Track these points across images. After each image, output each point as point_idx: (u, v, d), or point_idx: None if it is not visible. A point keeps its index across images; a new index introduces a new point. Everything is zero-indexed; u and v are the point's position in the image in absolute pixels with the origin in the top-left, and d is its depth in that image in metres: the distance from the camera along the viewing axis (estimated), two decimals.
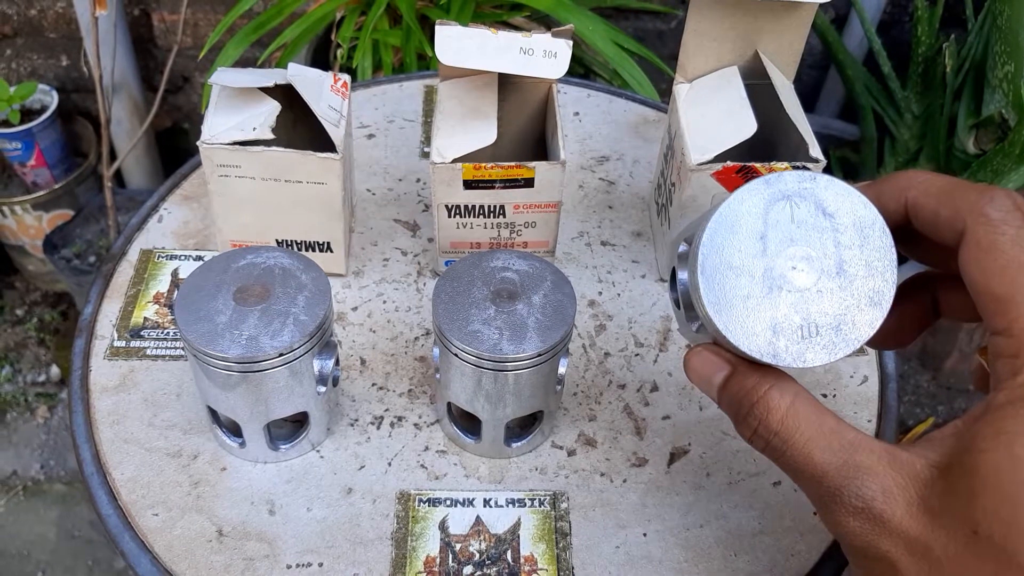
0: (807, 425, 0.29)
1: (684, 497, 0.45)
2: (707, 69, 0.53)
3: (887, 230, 0.30)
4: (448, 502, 0.44)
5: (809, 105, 1.38)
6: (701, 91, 0.52)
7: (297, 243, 0.52)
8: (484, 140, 0.48)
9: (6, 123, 1.24)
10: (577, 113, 0.68)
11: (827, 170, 0.49)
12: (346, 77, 0.52)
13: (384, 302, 0.53)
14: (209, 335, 0.39)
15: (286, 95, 0.49)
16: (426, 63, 0.90)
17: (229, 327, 0.39)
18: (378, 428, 0.47)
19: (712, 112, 0.51)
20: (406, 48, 0.87)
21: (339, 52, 0.92)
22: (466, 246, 0.52)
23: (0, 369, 1.32)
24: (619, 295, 0.55)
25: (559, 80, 0.56)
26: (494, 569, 0.42)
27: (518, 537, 0.43)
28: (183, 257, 0.55)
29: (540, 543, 0.43)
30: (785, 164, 0.48)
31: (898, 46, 1.27)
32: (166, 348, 0.50)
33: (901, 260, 0.31)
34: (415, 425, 0.47)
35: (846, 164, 1.20)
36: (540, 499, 0.44)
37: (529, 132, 0.56)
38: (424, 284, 0.55)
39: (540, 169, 0.48)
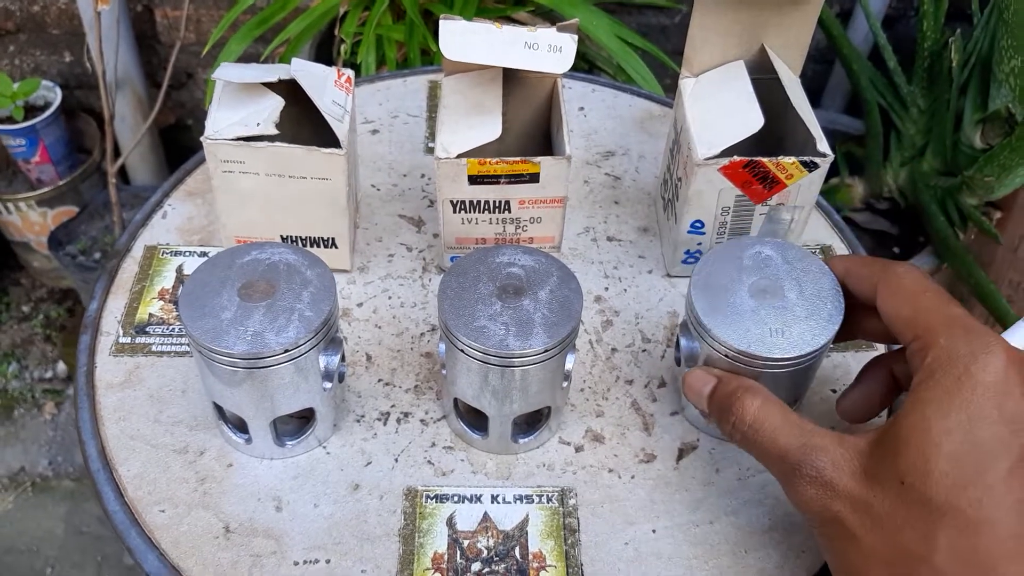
0: (774, 418, 0.38)
1: (693, 493, 0.45)
2: (713, 63, 0.53)
3: (834, 279, 0.43)
4: (455, 498, 0.44)
5: (814, 100, 1.37)
6: (707, 85, 0.52)
7: (302, 239, 0.52)
8: (489, 135, 0.48)
9: (10, 119, 1.24)
10: (582, 108, 0.68)
11: (832, 165, 0.49)
12: (350, 72, 0.52)
13: (389, 298, 0.53)
14: (214, 331, 0.39)
15: (290, 91, 0.48)
16: (430, 58, 0.90)
17: (234, 323, 0.39)
18: (384, 424, 0.47)
19: (718, 106, 0.50)
20: (409, 43, 0.86)
21: (343, 48, 0.92)
22: (471, 242, 0.52)
23: (7, 366, 1.33)
24: (625, 290, 0.54)
25: (564, 75, 0.56)
26: (502, 566, 0.42)
27: (526, 533, 0.43)
28: (187, 253, 0.55)
29: (548, 539, 0.43)
30: (792, 159, 0.48)
31: (903, 41, 1.26)
32: (171, 344, 0.50)
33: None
34: (422, 421, 0.47)
35: (851, 159, 1.19)
36: (548, 495, 0.44)
37: (534, 127, 0.56)
38: (429, 280, 0.54)
39: (545, 164, 0.48)
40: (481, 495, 0.44)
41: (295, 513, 0.43)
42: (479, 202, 0.50)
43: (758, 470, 0.46)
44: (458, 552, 0.42)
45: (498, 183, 0.49)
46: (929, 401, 0.33)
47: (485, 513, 0.44)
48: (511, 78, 0.52)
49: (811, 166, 0.48)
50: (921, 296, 0.37)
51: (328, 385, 0.42)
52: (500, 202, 0.50)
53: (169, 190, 0.59)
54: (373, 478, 0.45)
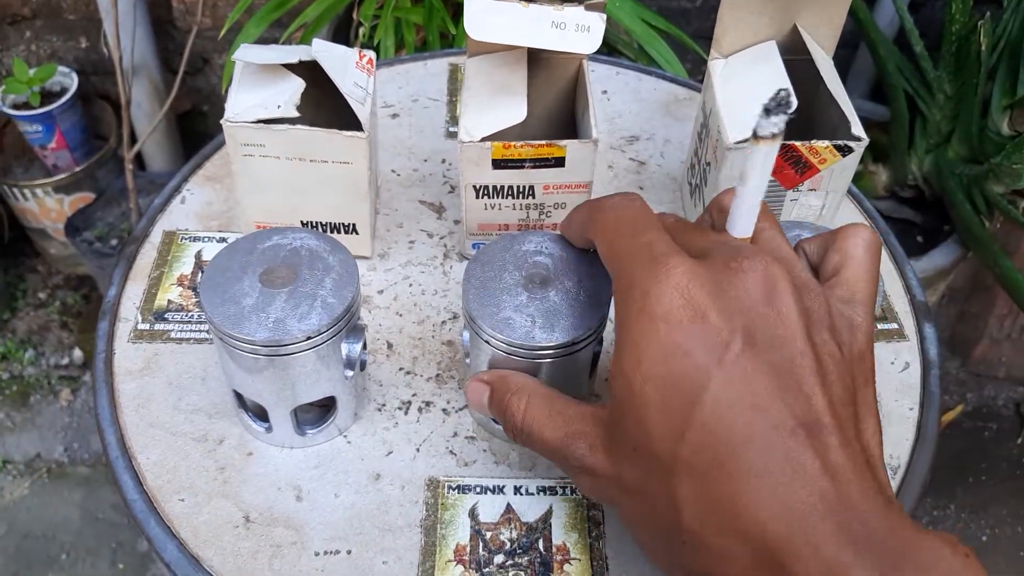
0: (539, 414, 0.35)
1: None
2: (744, 44, 0.51)
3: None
4: (478, 489, 0.43)
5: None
6: (737, 67, 0.51)
7: (322, 224, 0.51)
8: (514, 118, 0.46)
9: (26, 105, 1.23)
10: (605, 91, 0.66)
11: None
12: (371, 54, 0.51)
13: (410, 285, 0.52)
14: (235, 318, 0.38)
15: (310, 73, 0.47)
16: (449, 42, 0.88)
17: (256, 310, 0.38)
18: (406, 413, 0.46)
19: (750, 88, 0.49)
20: (429, 26, 0.85)
21: (361, 31, 0.91)
22: (494, 228, 0.51)
23: (23, 352, 1.33)
24: None
25: (587, 57, 0.55)
26: (526, 558, 0.41)
27: (550, 526, 0.42)
28: (206, 239, 0.54)
29: (572, 532, 0.42)
30: (826, 143, 0.47)
31: (930, 25, 1.24)
32: (190, 331, 0.49)
33: None
34: (443, 410, 0.46)
35: (876, 146, 1.17)
36: (572, 487, 0.43)
37: (557, 111, 0.54)
38: (451, 267, 0.53)
39: (571, 148, 0.47)
40: (504, 486, 0.43)
41: (315, 503, 0.42)
42: (503, 187, 0.49)
43: None
44: (481, 544, 0.41)
45: (522, 167, 0.47)
46: (624, 352, 0.30)
47: (508, 504, 0.43)
48: (535, 59, 0.51)
49: (845, 150, 0.47)
50: (617, 234, 0.34)
51: (350, 373, 0.42)
52: (524, 187, 0.49)
53: (188, 175, 0.58)
54: (394, 468, 0.44)
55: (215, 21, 1.31)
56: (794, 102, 0.29)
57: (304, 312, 0.38)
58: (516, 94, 0.47)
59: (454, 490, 0.43)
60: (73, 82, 1.26)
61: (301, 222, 0.51)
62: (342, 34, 1.03)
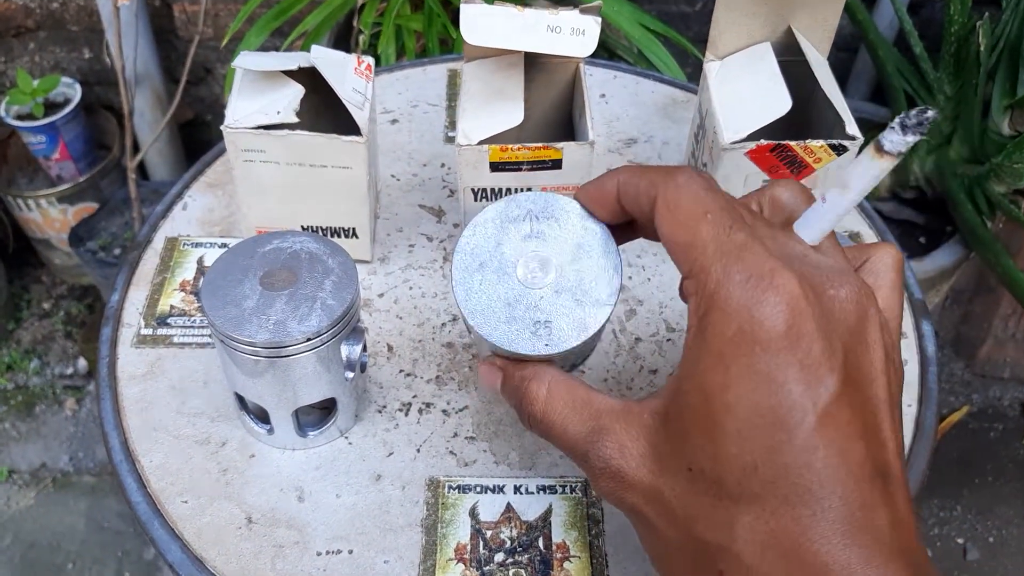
0: (561, 404, 0.32)
1: None
2: (739, 46, 0.52)
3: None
4: (478, 489, 0.43)
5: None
6: (733, 68, 0.51)
7: (322, 229, 0.51)
8: (511, 121, 0.47)
9: (30, 116, 1.24)
10: (604, 95, 0.67)
11: (858, 153, 0.48)
12: (370, 60, 0.51)
13: (410, 288, 0.53)
14: (236, 320, 0.38)
15: (309, 79, 0.48)
16: (449, 48, 0.89)
17: (256, 312, 0.39)
18: (406, 415, 0.46)
19: (744, 90, 0.49)
20: (428, 33, 0.86)
21: (361, 39, 0.91)
22: None
23: (28, 362, 1.34)
24: (649, 279, 0.54)
25: (585, 61, 0.55)
26: (526, 556, 0.41)
27: (549, 524, 0.42)
28: (208, 244, 0.55)
29: (572, 530, 0.42)
30: (821, 143, 0.47)
31: (929, 26, 1.24)
32: (193, 336, 0.49)
33: None
34: (443, 411, 0.47)
35: None
36: (571, 486, 0.44)
37: (555, 114, 0.55)
38: (450, 270, 0.54)
39: (568, 150, 0.47)
40: (504, 486, 0.44)
41: (317, 504, 0.43)
42: (501, 190, 0.49)
43: None
44: (481, 543, 0.42)
45: (520, 170, 0.48)
46: (707, 368, 0.28)
47: (508, 504, 0.43)
48: (532, 63, 0.51)
49: (840, 149, 0.47)
50: (702, 219, 0.29)
51: (350, 375, 0.42)
52: (522, 189, 0.49)
53: (189, 182, 0.59)
54: (395, 469, 0.44)
55: (217, 31, 1.32)
56: (933, 115, 0.26)
57: (304, 314, 0.39)
58: (513, 98, 0.48)
59: (454, 490, 0.43)
60: (76, 93, 1.27)
61: (301, 226, 0.51)
62: (342, 42, 1.03)
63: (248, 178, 0.49)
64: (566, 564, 0.41)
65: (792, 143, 0.47)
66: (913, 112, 0.26)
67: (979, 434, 1.30)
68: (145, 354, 0.49)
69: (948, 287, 1.21)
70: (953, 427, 1.29)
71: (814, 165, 0.48)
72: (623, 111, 0.65)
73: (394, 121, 0.64)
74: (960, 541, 1.19)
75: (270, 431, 0.44)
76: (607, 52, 0.97)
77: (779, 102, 0.47)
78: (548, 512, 0.43)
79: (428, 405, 0.47)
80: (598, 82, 0.68)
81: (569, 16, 0.46)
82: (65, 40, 1.34)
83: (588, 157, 0.47)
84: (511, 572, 0.41)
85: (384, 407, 0.47)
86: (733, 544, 0.27)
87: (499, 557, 0.41)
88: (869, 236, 0.57)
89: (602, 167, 0.61)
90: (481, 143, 0.46)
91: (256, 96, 0.48)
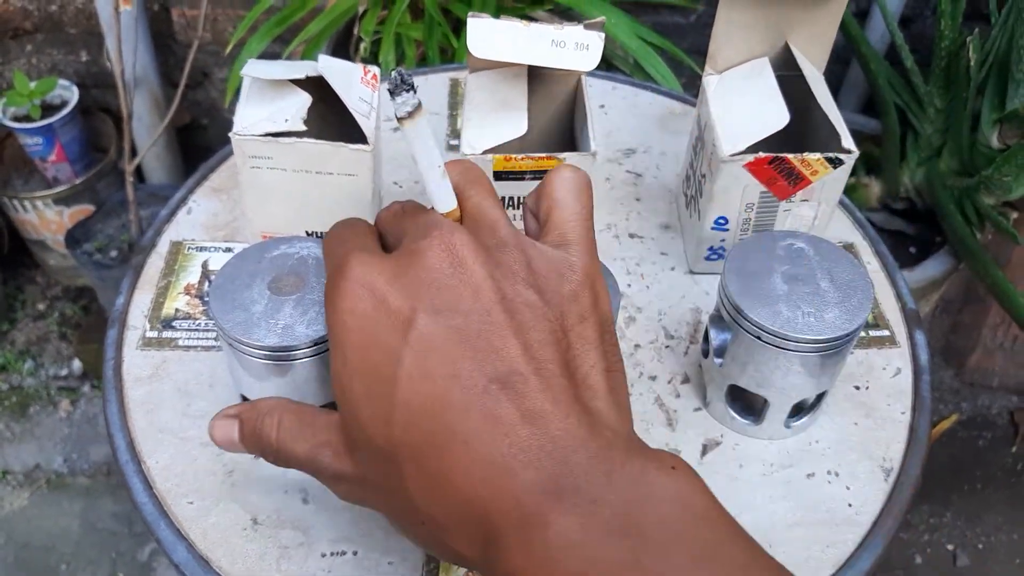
0: (291, 430, 0.34)
1: (717, 488, 0.44)
2: (737, 60, 0.53)
3: (864, 270, 0.43)
4: None
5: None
6: (731, 82, 0.52)
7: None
8: (514, 132, 0.48)
9: (27, 118, 1.25)
10: (603, 106, 0.68)
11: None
12: (376, 69, 0.52)
13: None
14: (245, 324, 0.39)
15: (315, 87, 0.49)
16: (448, 56, 0.90)
17: (265, 316, 0.40)
18: None
19: (743, 103, 0.50)
20: (429, 41, 0.87)
21: (362, 46, 0.92)
22: None
23: (23, 363, 1.33)
24: (648, 287, 0.55)
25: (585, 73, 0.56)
26: None
27: None
28: (212, 249, 0.55)
29: None
30: (818, 155, 0.48)
31: (920, 40, 1.26)
32: (198, 339, 0.50)
33: None
34: None
35: (868, 159, 1.19)
36: None
37: (556, 125, 0.56)
38: None
39: (570, 160, 0.48)
40: None
41: (322, 505, 0.43)
42: (503, 198, 0.50)
43: (782, 466, 0.46)
44: None
45: (523, 179, 0.49)
46: (332, 355, 0.31)
47: None
48: (534, 75, 0.52)
49: (836, 162, 0.48)
50: (330, 248, 0.36)
51: None
52: (524, 199, 0.50)
53: (193, 187, 0.59)
54: None
55: (215, 35, 1.33)
56: (410, 80, 0.30)
57: (312, 318, 0.39)
58: (517, 109, 0.49)
59: None
60: (73, 95, 1.27)
61: (306, 232, 0.52)
62: (342, 49, 1.04)
63: (255, 184, 0.50)
64: None
65: (790, 156, 0.48)
66: (391, 78, 0.30)
67: (968, 442, 1.32)
68: (150, 356, 0.49)
69: (938, 297, 1.23)
70: (943, 435, 1.30)
71: (811, 177, 0.49)
72: (622, 122, 0.66)
73: (396, 128, 0.65)
74: (950, 547, 1.20)
75: None
76: (604, 63, 0.98)
77: (777, 116, 0.48)
78: None
79: None
80: (597, 93, 0.69)
81: (573, 31, 0.47)
82: (63, 42, 1.34)
83: (590, 167, 0.48)
84: None
85: None
86: (412, 498, 0.29)
87: None
88: (862, 246, 0.58)
89: (602, 177, 0.62)
90: (485, 152, 0.47)
91: (264, 104, 0.48)
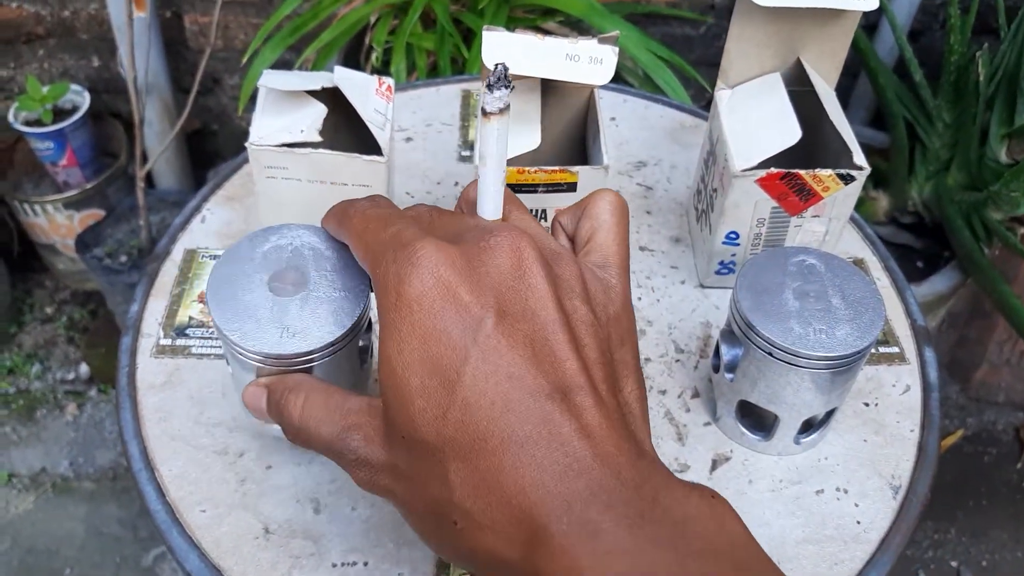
0: (316, 410, 0.34)
1: None
2: (749, 75, 0.53)
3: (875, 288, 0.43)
4: None
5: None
6: (743, 97, 0.52)
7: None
8: (528, 144, 0.48)
9: (38, 123, 1.25)
10: (614, 118, 0.68)
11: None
12: (390, 81, 0.52)
13: None
14: (254, 334, 0.37)
15: (329, 98, 0.49)
16: (459, 67, 0.90)
17: (273, 322, 0.37)
18: None
19: (755, 118, 0.51)
20: (440, 51, 0.87)
21: (373, 56, 0.93)
22: None
23: (30, 367, 1.34)
24: (659, 300, 0.55)
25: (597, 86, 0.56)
26: None
27: None
28: None
29: None
30: (829, 172, 0.48)
31: (929, 54, 1.26)
32: (211, 347, 0.50)
33: None
34: None
35: (876, 172, 1.19)
36: None
37: (568, 137, 0.56)
38: None
39: (583, 173, 0.48)
40: None
41: (333, 515, 0.43)
42: None
43: (791, 482, 0.46)
44: None
45: (536, 192, 0.49)
46: (386, 341, 0.30)
47: None
48: (547, 88, 0.53)
49: (847, 179, 0.48)
50: (367, 226, 0.34)
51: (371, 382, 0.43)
52: (537, 211, 0.50)
53: (207, 195, 0.60)
54: None
55: (226, 42, 1.33)
56: (507, 76, 0.30)
57: (322, 318, 0.38)
58: (531, 121, 0.49)
59: None
60: (85, 100, 1.28)
61: None
62: (352, 58, 1.05)
63: (269, 193, 0.50)
64: None
65: (801, 172, 0.48)
66: (492, 73, 0.29)
67: (974, 458, 1.31)
68: (164, 364, 0.49)
69: (945, 311, 1.23)
70: (948, 451, 1.30)
71: (822, 193, 0.49)
72: (633, 134, 0.67)
73: (409, 139, 0.65)
74: (954, 564, 1.20)
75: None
76: (615, 75, 0.99)
77: (788, 132, 0.48)
78: None
79: None
80: (608, 105, 0.69)
81: (587, 45, 0.48)
82: (75, 48, 1.35)
83: (602, 180, 0.49)
84: None
85: None
86: (453, 495, 0.29)
87: None
88: (872, 261, 0.58)
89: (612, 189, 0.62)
90: None
91: (280, 114, 0.49)
